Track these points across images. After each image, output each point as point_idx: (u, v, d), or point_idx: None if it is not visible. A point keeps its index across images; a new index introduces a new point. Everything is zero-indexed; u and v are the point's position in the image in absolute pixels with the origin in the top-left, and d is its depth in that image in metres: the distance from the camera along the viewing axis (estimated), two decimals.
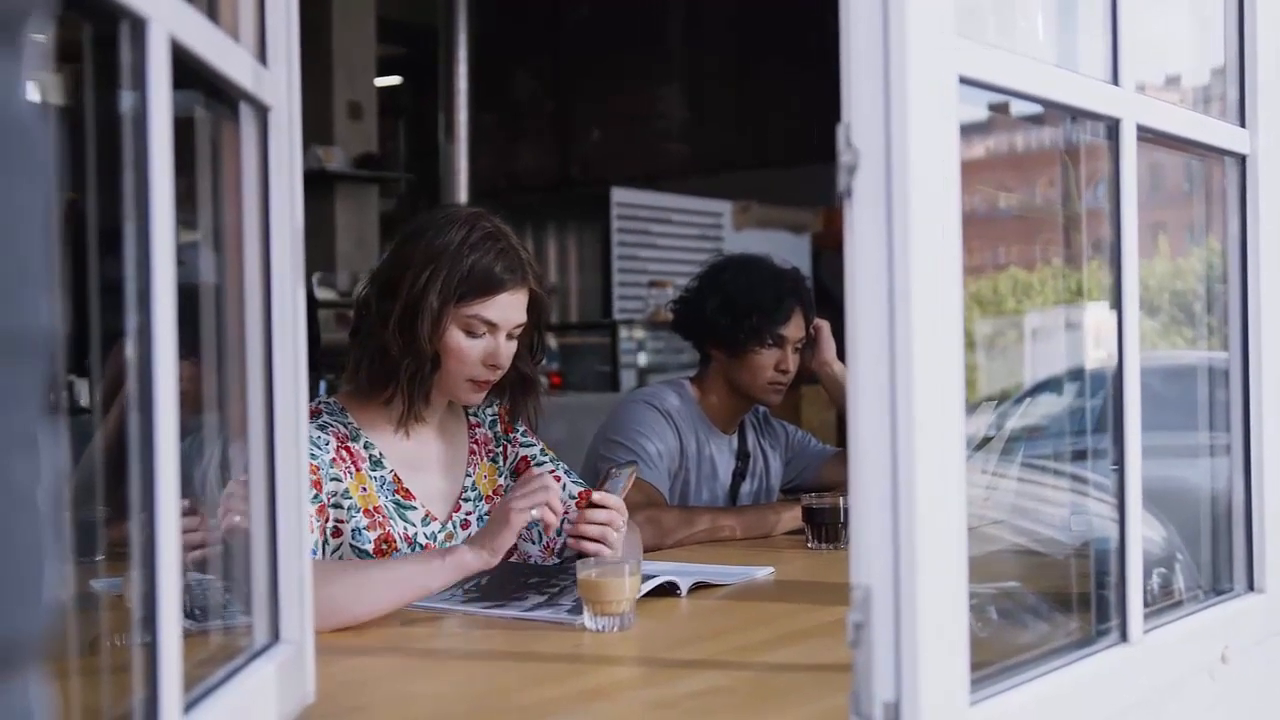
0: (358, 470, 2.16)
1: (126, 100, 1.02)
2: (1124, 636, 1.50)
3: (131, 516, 1.04)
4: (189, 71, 1.12)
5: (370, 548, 2.13)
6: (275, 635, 1.37)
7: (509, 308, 2.19)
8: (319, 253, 7.20)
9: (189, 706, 1.09)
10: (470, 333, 2.17)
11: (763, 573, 2.33)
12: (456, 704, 1.58)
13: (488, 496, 2.33)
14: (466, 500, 2.30)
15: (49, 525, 0.57)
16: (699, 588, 2.16)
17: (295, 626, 1.38)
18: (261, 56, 1.35)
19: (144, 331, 1.01)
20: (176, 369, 1.04)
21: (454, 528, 2.26)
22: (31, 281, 0.55)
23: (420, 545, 2.19)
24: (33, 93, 0.57)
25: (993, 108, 1.48)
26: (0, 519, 0.54)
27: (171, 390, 1.02)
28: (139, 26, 0.99)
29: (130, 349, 1.02)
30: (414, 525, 2.19)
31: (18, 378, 0.55)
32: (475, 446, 2.35)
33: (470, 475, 2.32)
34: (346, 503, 2.12)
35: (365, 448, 2.19)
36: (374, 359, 2.18)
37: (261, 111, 1.35)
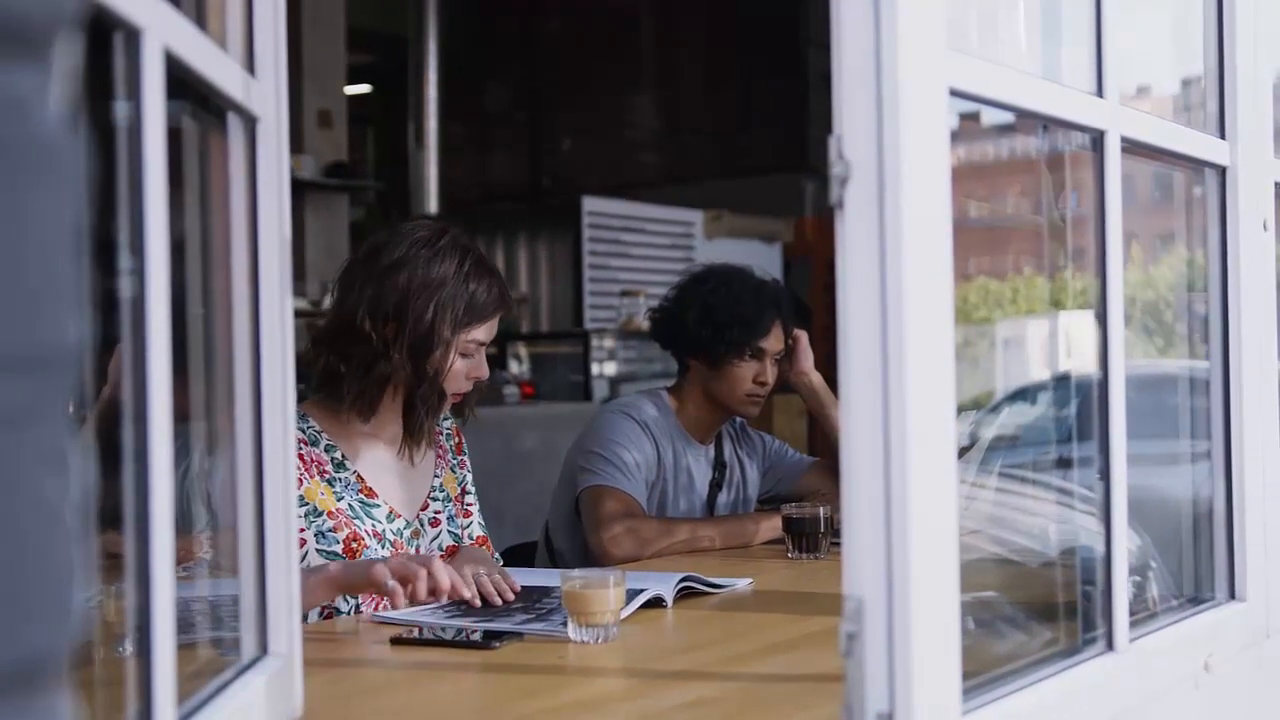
0: (313, 476, 2.22)
1: (119, 110, 1.01)
2: (1110, 645, 1.51)
3: (122, 529, 1.04)
4: (178, 81, 1.11)
5: (340, 548, 2.21)
6: (263, 649, 1.36)
7: (495, 326, 2.33)
8: None
9: None
10: (464, 355, 2.29)
11: (743, 583, 2.33)
12: (443, 717, 1.57)
13: (455, 498, 2.44)
14: (435, 499, 2.40)
15: (77, 540, 0.57)
16: (685, 595, 2.17)
17: (283, 640, 1.37)
18: (250, 66, 1.34)
19: (138, 342, 1.00)
20: (170, 380, 1.03)
21: (422, 525, 2.36)
22: (61, 296, 0.55)
23: (389, 541, 2.27)
24: (61, 106, 0.57)
25: (964, 117, 1.49)
26: (32, 535, 0.53)
27: (165, 401, 1.01)
28: (133, 37, 0.99)
29: (122, 359, 1.01)
30: (379, 522, 2.27)
31: (47, 393, 0.54)
32: (441, 450, 2.45)
33: (438, 476, 2.42)
34: (303, 508, 2.18)
35: (327, 450, 2.27)
36: (378, 385, 2.25)
37: (250, 122, 1.34)
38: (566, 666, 1.77)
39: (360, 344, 2.22)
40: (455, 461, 2.48)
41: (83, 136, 0.59)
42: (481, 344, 2.30)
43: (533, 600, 2.12)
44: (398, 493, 2.33)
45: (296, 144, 7.32)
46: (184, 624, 1.39)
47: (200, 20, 1.24)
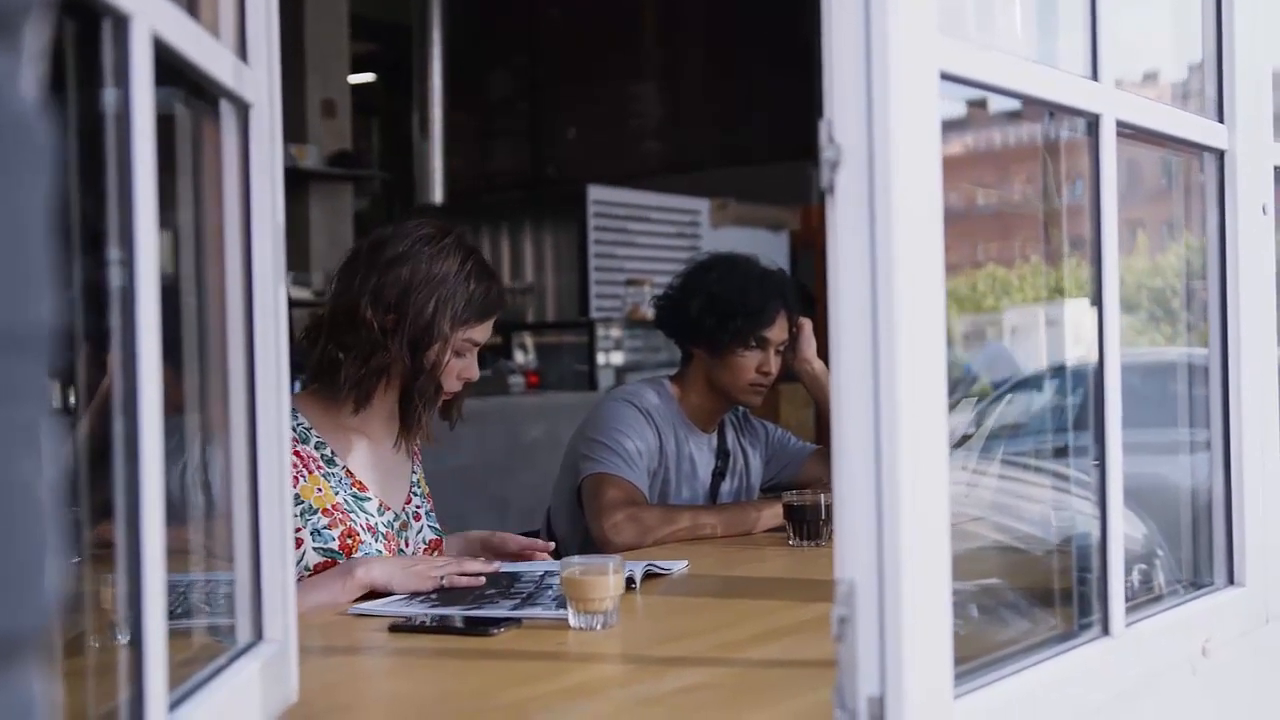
0: (310, 473, 2.25)
1: (108, 97, 1.02)
2: (1106, 629, 1.51)
3: (115, 517, 1.04)
4: (169, 68, 1.11)
5: (335, 544, 2.23)
6: (259, 634, 1.36)
7: (490, 329, 2.37)
8: (293, 252, 7.13)
9: (173, 705, 1.09)
10: (458, 353, 2.32)
11: (680, 565, 2.37)
12: (440, 703, 1.57)
13: (428, 495, 2.49)
14: (416, 494, 2.45)
15: (51, 520, 0.57)
16: (648, 577, 2.22)
17: (279, 626, 1.38)
18: (242, 54, 1.34)
19: (128, 332, 1.00)
20: (160, 370, 1.03)
21: (407, 517, 2.40)
22: (33, 277, 0.55)
23: (381, 534, 2.30)
24: (32, 89, 0.57)
25: (971, 104, 1.48)
26: (4, 513, 0.54)
27: (155, 390, 1.02)
28: (121, 23, 0.99)
29: (113, 350, 1.02)
30: (372, 515, 2.30)
31: (21, 372, 0.55)
32: (416, 450, 2.49)
33: (415, 473, 2.47)
34: (299, 507, 2.20)
35: (316, 448, 2.29)
36: (375, 375, 2.27)
37: (243, 109, 1.34)
38: (565, 653, 1.77)
39: (360, 334, 2.24)
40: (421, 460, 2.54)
41: (54, 119, 0.59)
42: (476, 344, 2.34)
43: (505, 586, 2.12)
44: (384, 487, 2.36)
45: (300, 134, 7.33)
46: (184, 611, 1.40)
47: (192, 7, 1.24)
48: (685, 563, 2.40)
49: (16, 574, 0.55)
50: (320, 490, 2.24)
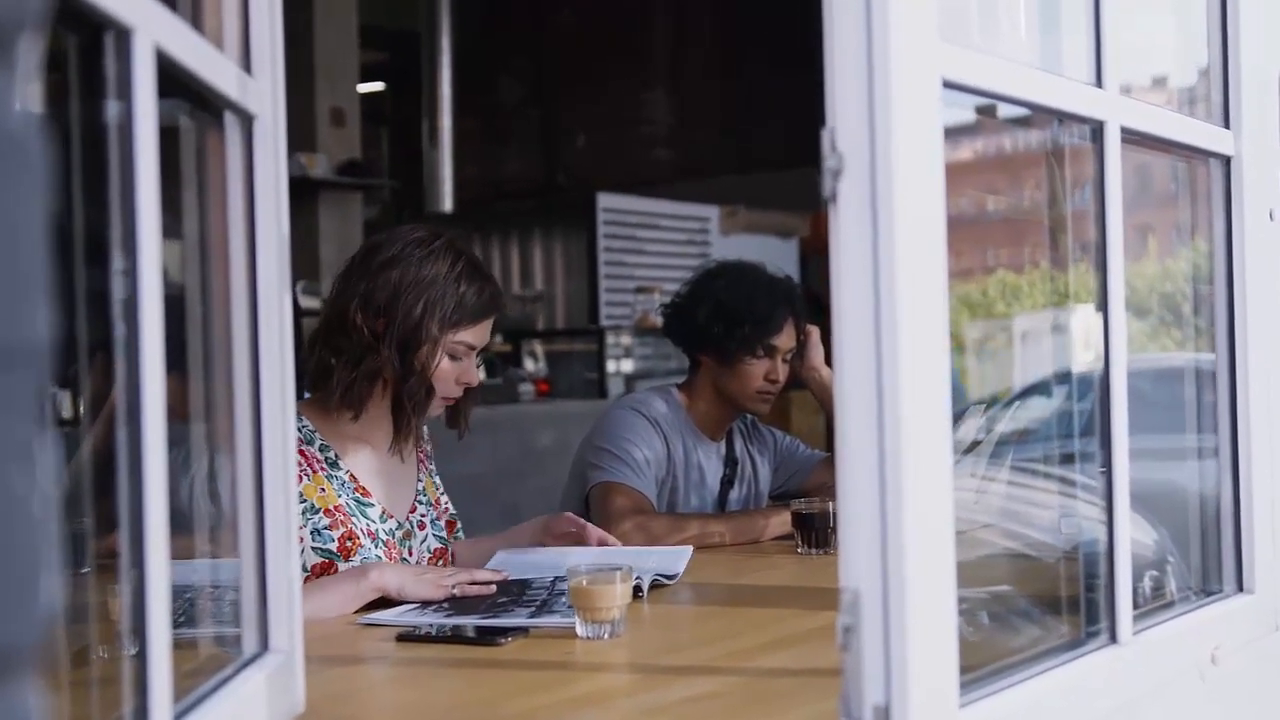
0: (314, 473, 2.26)
1: (111, 110, 1.02)
2: (1114, 637, 1.50)
3: (120, 528, 1.04)
4: (173, 80, 1.12)
5: (334, 546, 2.23)
6: (264, 645, 1.37)
7: (487, 331, 2.35)
8: (303, 261, 7.17)
9: (179, 716, 1.09)
10: (453, 356, 2.31)
11: (684, 558, 2.37)
12: (448, 714, 1.57)
13: (435, 503, 2.48)
14: (421, 503, 2.44)
15: (46, 534, 0.57)
16: (655, 586, 2.21)
17: (284, 636, 1.38)
18: (246, 65, 1.35)
19: (132, 342, 1.00)
20: (164, 380, 1.03)
21: (411, 526, 2.39)
22: (28, 292, 0.55)
23: (382, 540, 2.30)
24: (27, 104, 0.57)
25: (979, 110, 1.48)
26: None
27: (159, 401, 1.02)
28: (124, 36, 0.99)
29: (117, 361, 1.02)
30: (374, 521, 2.30)
31: (15, 387, 0.55)
32: (422, 457, 2.49)
33: (421, 481, 2.46)
34: (301, 506, 2.20)
35: (321, 450, 2.29)
36: (366, 379, 2.27)
37: (246, 120, 1.34)
38: (572, 662, 1.77)
39: (350, 338, 2.25)
40: (431, 468, 2.52)
41: (54, 133, 0.59)
42: (471, 348, 2.32)
43: (517, 595, 2.12)
44: (387, 494, 2.36)
45: (309, 143, 7.32)
46: (188, 619, 1.40)
47: (196, 19, 1.25)
48: (689, 550, 2.41)
49: (12, 588, 0.55)
50: (323, 490, 2.25)
